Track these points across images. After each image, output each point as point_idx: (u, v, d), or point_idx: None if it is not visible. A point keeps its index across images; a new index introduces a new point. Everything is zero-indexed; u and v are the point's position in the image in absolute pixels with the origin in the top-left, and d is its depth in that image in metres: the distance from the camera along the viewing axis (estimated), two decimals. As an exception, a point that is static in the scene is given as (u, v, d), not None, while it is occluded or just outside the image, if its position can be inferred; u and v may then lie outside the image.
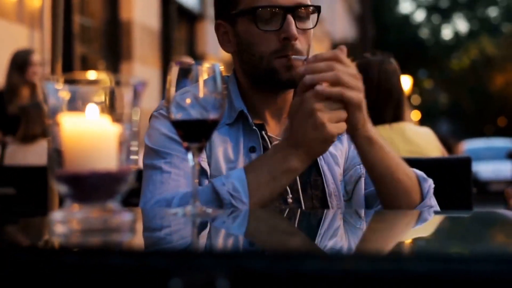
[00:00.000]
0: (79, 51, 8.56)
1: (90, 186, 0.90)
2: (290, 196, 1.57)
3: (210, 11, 12.84)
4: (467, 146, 18.90)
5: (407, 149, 2.64)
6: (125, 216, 0.91)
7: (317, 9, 1.58)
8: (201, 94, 1.13)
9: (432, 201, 1.53)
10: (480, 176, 14.62)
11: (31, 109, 4.08)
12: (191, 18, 12.71)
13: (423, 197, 1.52)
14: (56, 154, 0.91)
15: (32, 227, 1.10)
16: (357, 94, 1.38)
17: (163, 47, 10.94)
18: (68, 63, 8.05)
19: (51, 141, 0.92)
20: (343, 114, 1.36)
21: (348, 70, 1.37)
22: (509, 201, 8.67)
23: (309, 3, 1.57)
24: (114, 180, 0.91)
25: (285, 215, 1.38)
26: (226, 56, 14.60)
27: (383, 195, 1.51)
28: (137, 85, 0.94)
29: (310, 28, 1.57)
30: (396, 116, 2.75)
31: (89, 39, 9.26)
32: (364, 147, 1.45)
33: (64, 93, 0.91)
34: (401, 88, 2.77)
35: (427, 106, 37.15)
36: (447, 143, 15.72)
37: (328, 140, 1.37)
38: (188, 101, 1.13)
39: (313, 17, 1.59)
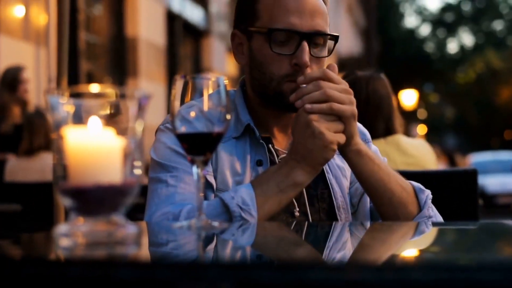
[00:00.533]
0: (85, 67, 8.59)
1: (95, 199, 0.90)
2: (297, 209, 1.57)
3: (216, 27, 12.90)
4: (474, 159, 18.85)
5: (403, 160, 2.67)
6: (130, 229, 0.91)
7: (335, 39, 1.57)
8: (205, 108, 1.13)
9: (431, 211, 1.54)
10: (487, 189, 14.55)
11: (35, 119, 4.07)
12: (196, 34, 12.74)
13: (420, 208, 1.53)
14: (61, 167, 0.91)
15: (37, 241, 1.10)
16: (348, 107, 1.43)
17: (168, 63, 10.98)
18: (74, 79, 8.08)
19: (56, 154, 0.92)
20: (339, 125, 1.42)
21: (337, 86, 1.43)
22: None
23: (327, 31, 1.55)
24: (119, 193, 0.91)
25: (292, 227, 1.39)
26: (232, 72, 14.63)
27: (379, 207, 1.53)
28: (142, 98, 0.94)
29: (325, 57, 1.56)
30: (388, 129, 2.77)
31: (95, 55, 9.29)
32: (354, 160, 1.49)
33: (69, 107, 0.91)
34: (392, 102, 2.80)
35: (433, 120, 37.09)
36: (453, 157, 15.70)
37: (328, 148, 1.40)
38: (192, 114, 1.13)
39: (330, 43, 1.58)
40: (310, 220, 1.57)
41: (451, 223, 1.48)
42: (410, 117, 28.61)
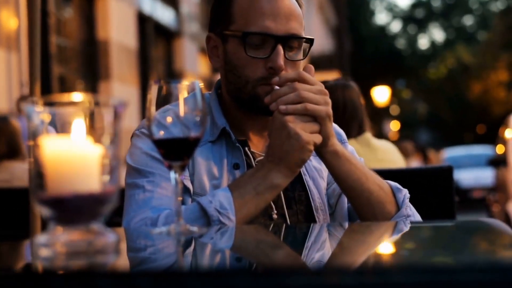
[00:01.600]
0: (56, 71, 8.53)
1: (73, 209, 0.89)
2: (275, 212, 1.57)
3: (187, 28, 12.88)
4: (448, 154, 19.04)
5: (374, 157, 2.85)
6: (110, 238, 0.91)
7: (310, 42, 1.57)
8: (181, 113, 1.12)
9: (409, 210, 1.54)
10: (461, 184, 14.73)
11: None
12: (168, 36, 12.71)
13: (398, 207, 1.53)
14: (38, 176, 0.90)
15: (15, 251, 1.09)
16: (323, 108, 1.43)
17: (141, 65, 10.94)
18: (46, 83, 8.02)
19: (33, 163, 0.91)
20: (315, 126, 1.42)
21: (312, 88, 1.44)
22: (491, 208, 8.77)
23: (302, 34, 1.55)
24: (97, 202, 0.91)
25: (270, 230, 1.39)
26: (205, 73, 14.61)
27: (357, 208, 1.53)
28: (118, 106, 0.94)
29: (300, 60, 1.56)
30: (361, 130, 2.99)
31: (66, 59, 9.23)
32: (331, 161, 1.49)
33: (45, 115, 0.91)
34: (362, 106, 3.03)
35: (406, 116, 37.38)
36: (426, 153, 15.88)
37: (305, 148, 1.41)
38: (169, 119, 1.13)
39: (305, 45, 1.58)
40: (288, 222, 1.57)
41: (428, 221, 1.48)
42: (383, 113, 28.82)
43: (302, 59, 1.57)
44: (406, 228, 1.29)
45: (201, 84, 1.17)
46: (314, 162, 1.64)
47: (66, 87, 9.34)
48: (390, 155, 2.99)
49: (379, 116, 27.40)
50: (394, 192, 1.54)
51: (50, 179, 0.90)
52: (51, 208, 0.90)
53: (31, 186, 0.91)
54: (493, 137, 12.06)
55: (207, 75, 13.94)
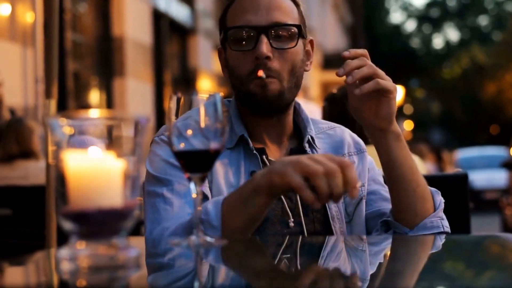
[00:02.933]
0: (71, 67, 8.55)
1: (96, 223, 0.90)
2: (292, 220, 1.56)
3: (202, 25, 12.89)
4: (461, 155, 19.05)
5: None
6: (131, 252, 0.92)
7: (298, 28, 1.57)
8: (202, 124, 1.13)
9: (442, 214, 1.55)
10: (474, 185, 14.74)
11: (13, 125, 3.94)
12: (182, 33, 12.71)
13: (435, 208, 1.54)
14: (61, 191, 0.91)
15: (38, 264, 1.10)
16: (391, 83, 1.44)
17: (155, 62, 10.94)
18: (61, 79, 8.03)
19: (56, 178, 0.92)
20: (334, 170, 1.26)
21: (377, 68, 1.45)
22: (504, 211, 8.66)
23: (289, 22, 1.56)
24: (120, 216, 0.92)
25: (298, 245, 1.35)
26: (219, 70, 14.65)
27: (401, 199, 1.51)
28: (140, 121, 0.95)
29: (288, 48, 1.55)
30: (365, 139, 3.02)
31: (81, 55, 9.28)
32: (393, 142, 1.48)
33: (68, 129, 0.92)
34: None
35: (419, 115, 37.31)
36: (440, 154, 15.83)
37: (286, 174, 1.26)
38: (189, 131, 1.13)
39: (296, 36, 1.58)
40: (305, 230, 1.56)
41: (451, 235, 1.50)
42: (396, 113, 28.73)
43: (292, 47, 1.56)
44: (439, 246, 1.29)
45: (221, 94, 1.17)
46: None
47: (81, 83, 9.39)
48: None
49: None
50: (432, 193, 1.55)
51: (73, 193, 0.91)
52: (74, 222, 0.91)
53: (55, 201, 0.94)
54: (506, 138, 12.01)
55: (220, 72, 13.96)
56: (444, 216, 1.55)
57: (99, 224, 0.90)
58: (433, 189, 1.56)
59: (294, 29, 1.56)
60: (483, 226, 10.30)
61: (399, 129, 1.50)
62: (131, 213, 0.93)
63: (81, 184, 0.91)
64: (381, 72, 1.43)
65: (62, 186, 0.91)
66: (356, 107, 1.48)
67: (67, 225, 0.91)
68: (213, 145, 1.13)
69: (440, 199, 1.56)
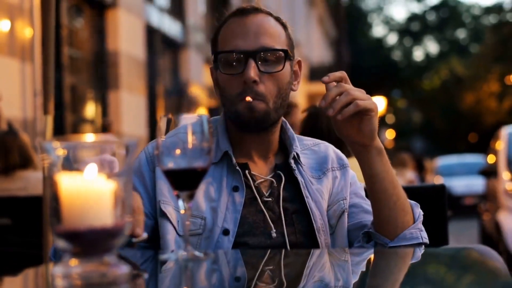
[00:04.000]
0: (68, 81, 8.74)
1: (88, 242, 0.94)
2: (274, 230, 1.58)
3: (193, 39, 13.12)
4: (441, 162, 19.22)
5: None
6: (122, 269, 0.96)
7: (284, 53, 1.59)
8: (190, 145, 1.16)
9: (421, 226, 1.57)
10: (453, 191, 14.94)
11: (7, 138, 3.95)
12: (174, 47, 12.91)
13: (414, 220, 1.56)
14: (55, 211, 0.94)
15: (33, 281, 1.16)
16: (371, 101, 1.47)
17: (148, 75, 11.11)
18: (58, 93, 8.06)
19: (50, 198, 0.95)
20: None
21: (353, 87, 1.48)
22: (482, 216, 8.85)
23: (277, 47, 1.58)
24: (111, 235, 0.95)
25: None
26: (209, 83, 14.79)
27: (382, 211, 1.54)
28: (130, 144, 0.98)
29: (275, 72, 1.58)
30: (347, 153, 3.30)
31: (77, 69, 9.44)
32: (375, 158, 1.51)
33: (61, 151, 0.95)
34: None
35: (401, 124, 37.59)
36: (421, 162, 16.13)
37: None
38: (178, 151, 1.17)
39: (283, 60, 1.60)
40: (287, 241, 1.57)
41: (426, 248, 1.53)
42: (379, 122, 28.99)
43: (279, 71, 1.58)
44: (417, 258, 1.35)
45: (208, 116, 1.22)
46: (316, 184, 1.66)
47: (77, 96, 9.53)
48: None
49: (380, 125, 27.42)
50: (412, 205, 1.58)
51: (66, 213, 0.94)
52: (67, 241, 0.94)
53: (49, 220, 0.96)
54: (484, 146, 12.20)
55: (211, 85, 14.10)
56: (422, 228, 1.56)
57: (91, 242, 0.94)
58: (412, 202, 1.58)
59: (281, 53, 1.58)
60: (462, 231, 10.43)
61: (381, 144, 1.52)
62: (121, 232, 0.96)
63: (74, 204, 0.94)
64: (359, 94, 1.45)
65: (56, 206, 0.94)
66: (339, 126, 1.50)
67: (61, 243, 0.95)
68: (200, 163, 1.17)
69: (419, 212, 1.58)
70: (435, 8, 38.59)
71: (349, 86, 1.47)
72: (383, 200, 1.53)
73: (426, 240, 1.57)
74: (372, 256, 1.40)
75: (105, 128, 8.72)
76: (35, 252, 2.81)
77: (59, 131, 8.00)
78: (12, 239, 3.21)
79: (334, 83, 1.47)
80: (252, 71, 1.54)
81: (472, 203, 13.82)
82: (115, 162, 0.98)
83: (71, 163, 0.95)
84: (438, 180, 16.63)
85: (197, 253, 1.19)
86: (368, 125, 1.48)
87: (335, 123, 1.50)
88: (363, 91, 1.48)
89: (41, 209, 2.59)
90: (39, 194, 3.07)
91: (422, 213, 1.59)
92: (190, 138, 1.16)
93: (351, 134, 1.50)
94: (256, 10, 1.62)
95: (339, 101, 1.44)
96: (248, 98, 1.55)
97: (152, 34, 11.44)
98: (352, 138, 1.51)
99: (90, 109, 10.05)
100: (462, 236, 10.18)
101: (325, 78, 1.47)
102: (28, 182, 3.85)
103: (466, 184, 15.56)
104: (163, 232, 1.56)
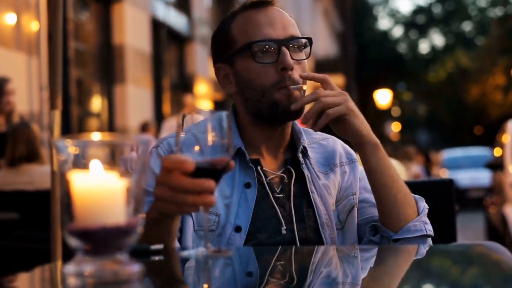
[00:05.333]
0: (74, 75, 8.78)
1: (100, 240, 0.93)
2: (285, 227, 1.59)
3: (198, 32, 13.13)
4: (447, 155, 19.24)
5: None
6: (134, 268, 0.95)
7: (309, 41, 1.63)
8: (210, 142, 1.17)
9: (425, 219, 1.59)
10: (459, 184, 14.90)
11: (18, 129, 3.98)
12: (180, 40, 12.97)
13: (418, 213, 1.58)
14: (67, 209, 0.94)
15: (44, 279, 1.16)
16: (342, 107, 1.49)
17: (154, 68, 11.18)
18: (64, 86, 8.12)
19: (63, 197, 0.95)
20: (172, 196, 1.20)
21: (330, 92, 1.50)
22: (488, 209, 8.80)
23: (300, 35, 1.62)
24: (123, 234, 0.94)
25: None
26: (214, 75, 14.78)
27: (385, 205, 1.56)
28: (142, 142, 0.98)
29: (304, 59, 1.62)
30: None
31: (83, 63, 9.51)
32: (371, 153, 1.53)
33: (73, 149, 0.94)
34: None
35: (407, 117, 37.62)
36: (428, 155, 16.16)
37: (160, 203, 1.25)
38: (197, 148, 1.18)
39: (306, 49, 1.64)
40: (297, 237, 1.59)
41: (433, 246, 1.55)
42: (384, 115, 29.14)
43: (305, 59, 1.63)
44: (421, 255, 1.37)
45: (228, 113, 1.23)
46: (324, 179, 1.67)
47: (83, 90, 9.57)
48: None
49: (381, 117, 27.62)
50: (416, 199, 1.60)
51: (78, 211, 0.93)
52: (79, 240, 0.93)
53: (61, 218, 0.95)
54: (489, 139, 12.21)
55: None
56: (427, 221, 1.58)
57: (103, 241, 0.93)
58: (417, 196, 1.60)
59: (307, 41, 1.63)
60: (468, 224, 10.42)
61: (376, 139, 1.54)
62: (134, 230, 0.95)
63: (86, 202, 0.93)
64: (331, 100, 1.48)
65: (68, 204, 0.94)
66: (329, 133, 1.56)
67: (73, 242, 0.94)
68: (220, 160, 1.18)
69: (423, 205, 1.59)
70: (440, 0, 38.48)
71: (323, 92, 1.50)
72: (383, 193, 1.55)
73: (431, 233, 1.58)
74: (378, 252, 1.43)
75: (143, 128, 8.78)
76: (43, 247, 2.77)
77: (65, 125, 8.03)
78: (19, 234, 3.20)
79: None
80: (290, 58, 1.56)
81: (478, 196, 13.83)
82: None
83: (83, 161, 0.93)
84: (443, 173, 16.64)
85: (215, 250, 1.20)
86: (348, 127, 1.51)
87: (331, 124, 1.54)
88: (338, 92, 1.51)
89: (49, 203, 2.56)
90: (47, 189, 3.04)
91: (427, 206, 1.60)
92: (210, 136, 1.17)
93: (343, 135, 1.55)
94: (271, 3, 1.64)
95: (309, 112, 1.49)
96: (292, 86, 1.56)
97: (158, 28, 11.47)
98: (345, 137, 1.55)
99: (96, 103, 10.11)
100: (468, 229, 10.21)
101: (303, 74, 1.55)
102: (33, 176, 3.86)
103: (472, 177, 15.58)
104: (185, 227, 1.55)
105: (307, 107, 1.57)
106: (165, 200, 1.20)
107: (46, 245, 2.62)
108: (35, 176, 3.86)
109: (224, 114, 1.19)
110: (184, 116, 1.20)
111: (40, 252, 2.93)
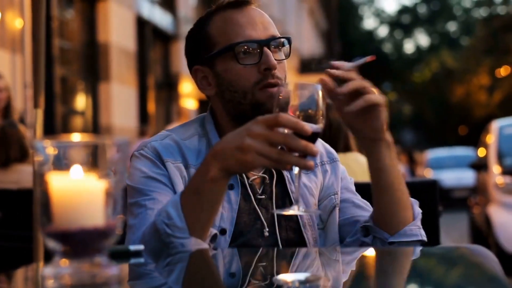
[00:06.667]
0: (59, 72, 8.76)
1: (79, 242, 0.93)
2: (267, 229, 1.58)
3: (183, 31, 13.11)
4: (431, 155, 19.34)
5: (361, 171, 3.09)
6: (113, 270, 0.95)
7: (288, 40, 1.63)
8: (317, 112, 1.26)
9: (420, 224, 1.57)
10: (443, 184, 15.03)
11: (8, 131, 3.91)
12: (165, 39, 12.99)
13: (414, 217, 1.56)
14: (45, 210, 0.93)
15: (23, 282, 1.16)
16: (379, 96, 1.47)
17: (139, 67, 11.18)
18: (48, 84, 8.12)
19: (40, 198, 0.94)
20: (272, 151, 1.25)
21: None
22: (472, 210, 8.80)
23: (279, 35, 1.61)
24: (102, 236, 0.94)
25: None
26: None
27: (385, 205, 1.53)
28: (121, 144, 0.97)
29: (284, 59, 1.61)
30: (346, 146, 3.34)
31: (68, 61, 9.49)
32: (384, 151, 1.49)
33: (52, 150, 0.94)
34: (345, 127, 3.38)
35: (392, 117, 37.18)
36: (412, 154, 16.25)
37: (242, 150, 1.27)
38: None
39: (285, 48, 1.62)
40: (279, 238, 1.59)
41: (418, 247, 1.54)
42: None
43: (285, 59, 1.62)
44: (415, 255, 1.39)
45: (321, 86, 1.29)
46: (305, 179, 1.65)
47: (68, 88, 9.56)
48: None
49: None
50: (412, 203, 1.57)
51: (56, 213, 0.93)
52: (57, 241, 0.93)
53: (40, 219, 0.94)
54: (474, 139, 12.24)
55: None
56: (421, 226, 1.56)
57: (82, 243, 0.93)
58: (412, 199, 1.58)
59: (285, 41, 1.62)
60: (452, 224, 10.44)
61: (390, 138, 1.52)
62: (113, 232, 0.95)
63: (64, 204, 0.93)
64: (369, 86, 1.45)
65: (46, 206, 0.93)
66: (349, 121, 1.49)
67: (51, 244, 0.93)
68: (316, 128, 1.26)
69: (418, 210, 1.58)
70: (426, 0, 38.72)
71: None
72: (389, 194, 1.52)
73: (425, 238, 1.57)
74: (365, 255, 1.42)
75: (142, 132, 8.68)
76: (26, 245, 2.73)
77: (49, 123, 7.99)
78: (2, 233, 3.13)
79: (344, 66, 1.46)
80: (273, 58, 1.55)
81: (462, 196, 13.92)
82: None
83: (62, 162, 0.93)
84: (428, 173, 16.72)
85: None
86: (377, 119, 1.47)
87: (345, 118, 1.49)
88: (370, 85, 1.48)
89: (32, 203, 2.54)
90: (29, 188, 3.04)
91: (421, 211, 1.58)
92: (321, 104, 1.26)
93: (362, 129, 1.49)
94: (249, 2, 1.62)
95: (352, 83, 1.42)
96: (274, 84, 1.54)
97: (143, 26, 11.48)
98: (363, 132, 1.50)
99: (81, 101, 10.08)
100: (452, 229, 10.25)
101: (347, 65, 1.47)
102: (21, 176, 3.83)
103: (456, 177, 15.70)
104: None
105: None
106: (260, 154, 1.24)
107: (28, 244, 2.61)
108: (23, 175, 3.82)
109: (319, 86, 1.26)
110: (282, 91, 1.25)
111: (22, 251, 2.92)
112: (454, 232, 10.04)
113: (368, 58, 1.49)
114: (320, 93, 1.27)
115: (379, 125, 1.47)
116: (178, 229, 1.34)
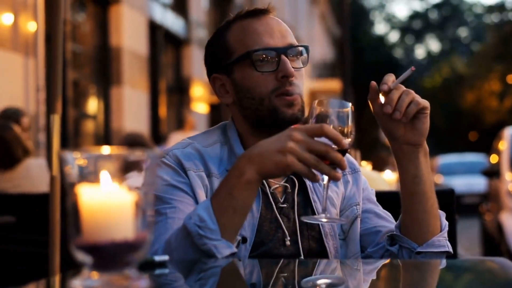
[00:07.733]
0: (71, 76, 8.77)
1: (109, 255, 0.93)
2: (289, 238, 1.58)
3: (195, 35, 13.14)
4: (442, 161, 19.33)
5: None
6: (143, 283, 0.94)
7: (306, 49, 1.63)
8: (345, 129, 1.32)
9: (446, 235, 1.58)
10: (454, 190, 14.95)
11: (3, 134, 3.96)
12: (177, 43, 12.98)
13: (441, 228, 1.57)
14: (75, 223, 0.93)
15: None
16: (425, 100, 1.50)
17: (151, 71, 11.17)
18: (62, 89, 8.16)
19: (70, 210, 0.94)
20: (312, 158, 1.30)
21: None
22: (484, 216, 8.81)
23: (297, 43, 1.62)
24: (132, 248, 0.94)
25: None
26: None
27: (416, 214, 1.54)
28: (151, 157, 0.97)
29: (302, 67, 1.62)
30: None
31: (80, 64, 9.49)
32: (422, 158, 1.52)
33: (81, 162, 0.94)
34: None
35: (402, 122, 37.49)
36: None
37: (282, 152, 1.31)
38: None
39: (303, 57, 1.64)
40: (300, 248, 1.58)
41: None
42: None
43: (303, 67, 1.63)
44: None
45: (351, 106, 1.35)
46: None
47: (80, 92, 9.57)
48: (376, 184, 3.19)
49: (376, 122, 27.50)
50: (440, 214, 1.59)
51: (86, 226, 0.93)
52: (87, 254, 0.93)
53: (68, 231, 0.94)
54: (485, 145, 12.24)
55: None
56: (447, 237, 1.57)
57: (112, 256, 0.93)
58: (440, 211, 1.59)
59: (303, 49, 1.63)
60: (463, 231, 10.33)
61: (427, 147, 1.55)
62: (143, 245, 0.95)
63: (94, 216, 0.93)
64: (414, 93, 1.48)
65: (76, 218, 0.93)
66: (390, 127, 1.50)
67: (80, 256, 0.93)
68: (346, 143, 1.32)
69: (445, 221, 1.59)
70: (437, 6, 38.63)
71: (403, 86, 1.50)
72: (422, 202, 1.53)
73: (451, 250, 1.57)
74: (387, 265, 1.42)
75: (160, 139, 8.65)
76: (41, 250, 2.72)
77: (62, 127, 7.98)
78: (17, 237, 3.16)
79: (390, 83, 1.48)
80: (291, 66, 1.56)
81: (473, 202, 13.87)
82: None
83: (91, 174, 0.93)
84: (438, 179, 16.67)
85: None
86: (423, 123, 1.49)
87: (385, 124, 1.51)
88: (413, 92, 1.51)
89: (47, 206, 2.51)
90: (45, 192, 3.01)
91: (447, 223, 1.59)
92: (335, 121, 1.31)
93: (404, 134, 1.51)
94: (268, 11, 1.64)
95: (403, 102, 1.45)
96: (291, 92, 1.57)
97: (155, 30, 11.47)
98: (404, 138, 1.51)
99: (92, 105, 10.09)
100: (463, 236, 10.17)
101: (385, 87, 1.47)
102: (29, 169, 3.90)
103: (467, 183, 15.63)
104: None
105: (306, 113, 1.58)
106: (300, 158, 1.29)
107: (44, 249, 2.59)
108: (31, 167, 3.91)
109: (348, 103, 1.33)
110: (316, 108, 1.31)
111: (37, 256, 2.91)
112: (465, 239, 9.99)
113: (409, 71, 1.51)
114: (350, 110, 1.32)
115: (425, 129, 1.49)
116: (211, 231, 1.35)
